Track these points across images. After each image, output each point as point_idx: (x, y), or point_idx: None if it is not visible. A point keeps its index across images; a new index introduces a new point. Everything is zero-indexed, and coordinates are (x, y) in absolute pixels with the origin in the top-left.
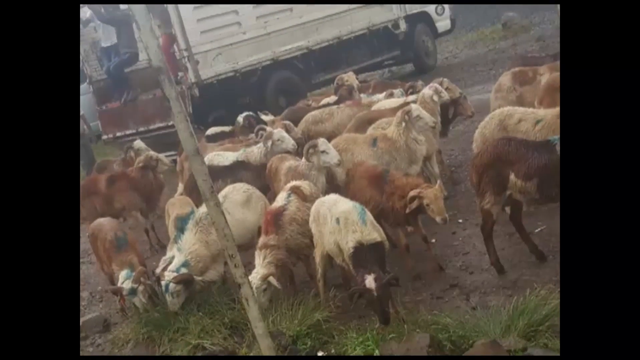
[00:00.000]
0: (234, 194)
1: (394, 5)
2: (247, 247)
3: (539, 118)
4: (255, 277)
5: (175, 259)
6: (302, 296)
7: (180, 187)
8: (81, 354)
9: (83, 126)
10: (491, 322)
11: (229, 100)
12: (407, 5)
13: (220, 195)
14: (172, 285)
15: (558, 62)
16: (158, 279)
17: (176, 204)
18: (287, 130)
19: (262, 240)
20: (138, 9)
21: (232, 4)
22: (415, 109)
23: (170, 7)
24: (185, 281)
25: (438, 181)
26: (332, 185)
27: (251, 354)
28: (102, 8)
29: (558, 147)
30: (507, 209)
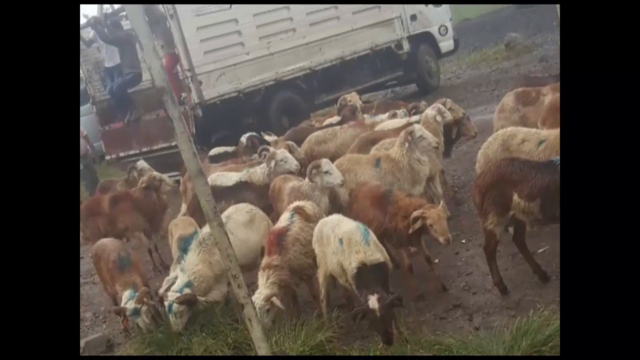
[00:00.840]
0: (237, 214)
1: (397, 26)
2: (250, 268)
3: (542, 138)
4: (258, 297)
5: (179, 279)
6: (305, 317)
7: (184, 207)
8: None
9: (86, 146)
10: (494, 343)
11: (232, 121)
12: (410, 26)
13: (224, 216)
14: (175, 305)
15: None
16: (161, 300)
17: (179, 225)
18: (290, 151)
19: (265, 260)
20: (141, 29)
21: (235, 21)
22: (419, 129)
23: (174, 27)
24: (188, 301)
25: (441, 201)
26: (335, 206)
27: None
28: (105, 28)
29: None
30: (510, 230)
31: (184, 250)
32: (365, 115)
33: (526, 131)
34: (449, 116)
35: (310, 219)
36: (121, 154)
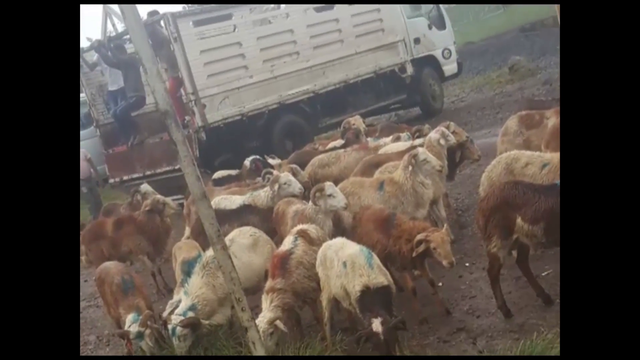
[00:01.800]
0: (240, 237)
1: (400, 49)
2: (254, 291)
3: (545, 162)
4: (262, 320)
5: (182, 302)
6: (308, 340)
7: (187, 230)
8: None
9: (90, 170)
10: None
11: (236, 144)
12: (413, 49)
13: (227, 239)
14: (179, 329)
15: None
16: (165, 323)
17: (183, 248)
18: (294, 174)
19: (269, 284)
20: (144, 52)
21: (239, 45)
22: (422, 152)
23: (177, 50)
24: (192, 325)
25: (445, 225)
26: (339, 229)
27: None
28: (108, 51)
29: None
30: (514, 253)
31: (187, 273)
32: (368, 139)
33: (530, 154)
34: (452, 139)
35: (313, 242)
36: (125, 177)
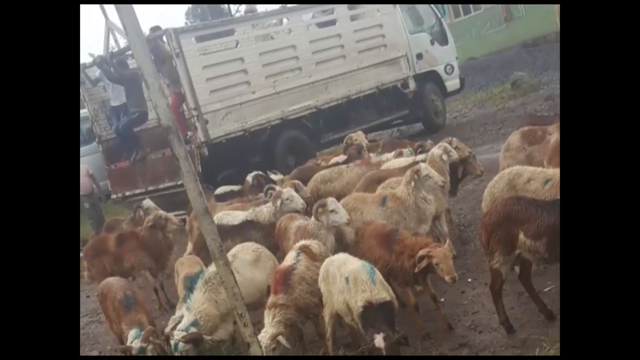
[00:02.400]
0: (243, 253)
1: (403, 65)
2: (256, 306)
3: (548, 177)
4: (264, 336)
5: (185, 318)
6: (311, 355)
7: (190, 246)
8: None
9: (92, 185)
10: None
11: (238, 160)
12: (416, 65)
13: (230, 255)
14: (181, 344)
15: None
16: (167, 338)
17: (185, 263)
18: (296, 190)
19: (271, 299)
20: (147, 68)
21: (241, 60)
22: (425, 168)
23: (179, 66)
24: (194, 340)
25: (447, 240)
26: (342, 245)
27: None
28: (111, 67)
29: None
30: (517, 268)
31: (190, 289)
32: (371, 154)
33: (532, 170)
34: (454, 155)
35: (316, 258)
36: (127, 193)
